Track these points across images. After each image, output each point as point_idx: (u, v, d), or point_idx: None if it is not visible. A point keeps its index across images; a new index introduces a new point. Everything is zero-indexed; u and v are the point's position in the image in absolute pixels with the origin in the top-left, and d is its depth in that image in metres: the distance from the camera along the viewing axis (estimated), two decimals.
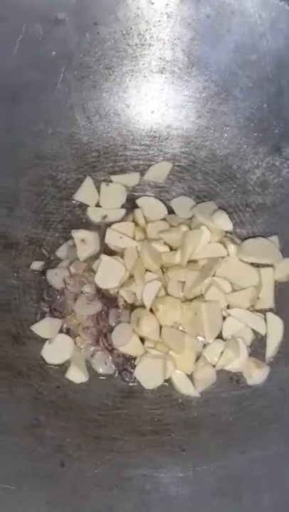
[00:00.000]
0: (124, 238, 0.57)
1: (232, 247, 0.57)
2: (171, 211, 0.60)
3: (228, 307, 0.56)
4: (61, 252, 0.58)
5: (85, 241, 0.58)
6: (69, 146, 0.61)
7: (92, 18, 0.57)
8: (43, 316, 0.55)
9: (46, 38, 0.56)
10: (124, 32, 0.58)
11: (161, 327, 0.55)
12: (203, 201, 0.61)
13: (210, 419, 0.52)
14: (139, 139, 0.62)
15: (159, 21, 0.58)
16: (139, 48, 0.59)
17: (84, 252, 0.57)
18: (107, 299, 0.56)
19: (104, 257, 0.56)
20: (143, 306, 0.55)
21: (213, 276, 0.56)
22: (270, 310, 0.56)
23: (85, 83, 0.60)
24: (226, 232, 0.58)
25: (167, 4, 0.57)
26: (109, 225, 0.59)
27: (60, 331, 0.55)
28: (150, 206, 0.60)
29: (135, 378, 0.53)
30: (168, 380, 0.54)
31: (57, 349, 0.54)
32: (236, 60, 0.59)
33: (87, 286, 0.56)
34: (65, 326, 0.55)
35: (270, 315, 0.56)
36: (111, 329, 0.55)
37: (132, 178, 0.61)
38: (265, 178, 0.60)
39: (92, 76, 0.60)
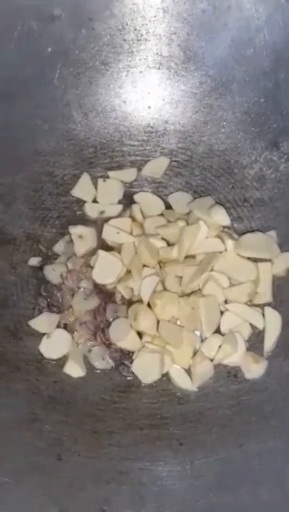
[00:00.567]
0: (121, 234, 0.58)
1: (230, 242, 0.57)
2: (168, 206, 0.61)
3: (225, 302, 0.56)
4: (58, 247, 0.59)
5: (82, 237, 0.58)
6: (66, 142, 0.61)
7: (88, 14, 0.57)
8: (40, 312, 0.56)
9: (42, 34, 0.57)
10: (120, 27, 0.59)
11: (158, 322, 0.55)
12: (200, 196, 0.61)
13: (208, 413, 0.52)
14: (136, 135, 0.62)
15: (155, 16, 0.59)
16: (136, 44, 0.60)
17: (81, 247, 0.58)
18: (105, 294, 0.56)
19: (101, 253, 0.57)
20: (140, 301, 0.56)
21: (211, 271, 0.56)
22: (268, 304, 0.56)
23: (82, 79, 0.60)
24: (224, 227, 0.58)
25: None
26: (107, 220, 0.59)
27: (58, 326, 0.55)
28: (147, 202, 0.61)
29: (133, 373, 0.54)
30: (166, 375, 0.54)
31: (54, 344, 0.54)
32: (233, 54, 0.59)
33: (84, 281, 0.56)
34: (62, 321, 0.55)
35: (268, 309, 0.56)
36: (108, 324, 0.55)
37: (129, 174, 0.62)
38: (263, 173, 0.61)
39: (88, 72, 0.60)
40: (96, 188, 0.61)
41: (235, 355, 0.54)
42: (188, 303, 0.55)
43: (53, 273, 0.57)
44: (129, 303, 0.56)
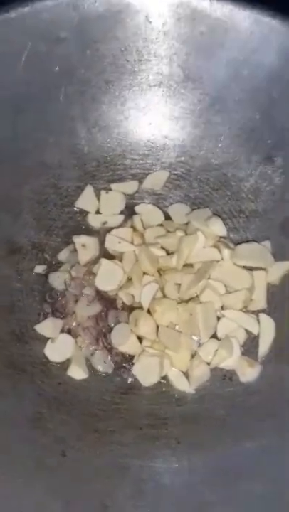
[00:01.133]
0: (122, 243, 0.58)
1: (226, 252, 0.58)
2: (168, 217, 0.61)
3: (222, 308, 0.57)
4: (63, 256, 0.59)
5: (85, 246, 0.59)
6: (70, 155, 0.62)
7: (93, 36, 0.58)
8: (45, 317, 0.56)
9: (49, 55, 0.57)
10: (123, 49, 0.59)
11: (158, 327, 0.55)
12: (198, 208, 0.62)
13: (204, 414, 0.53)
14: (137, 149, 0.63)
15: (156, 38, 0.59)
16: (137, 64, 0.60)
17: (84, 256, 0.58)
18: (107, 301, 0.57)
19: (103, 261, 0.57)
20: (141, 308, 0.56)
21: (208, 278, 0.57)
22: (263, 311, 0.57)
23: (86, 96, 0.60)
24: (220, 237, 0.59)
25: (164, 23, 0.58)
26: (109, 230, 0.60)
27: (62, 331, 0.56)
28: (148, 212, 0.61)
29: (133, 375, 0.54)
30: (164, 377, 0.55)
31: (59, 348, 0.55)
32: (229, 73, 0.59)
33: (87, 288, 0.57)
34: (66, 326, 0.56)
35: (262, 316, 0.57)
36: (110, 329, 0.56)
37: (130, 186, 0.63)
38: (258, 186, 0.61)
39: (92, 90, 0.60)
40: (99, 199, 0.62)
41: (231, 359, 0.55)
42: (187, 309, 0.56)
43: (57, 280, 0.58)
44: (130, 309, 0.57)
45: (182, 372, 0.55)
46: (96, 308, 0.57)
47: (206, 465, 0.49)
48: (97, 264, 0.58)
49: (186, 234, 0.59)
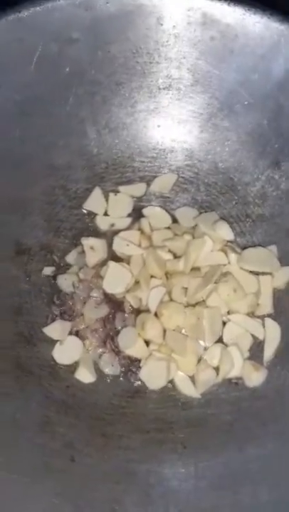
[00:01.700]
0: (130, 246, 0.58)
1: (233, 256, 0.58)
2: (175, 220, 0.61)
3: (228, 313, 0.57)
4: (71, 258, 0.59)
5: (93, 248, 0.59)
6: (79, 157, 0.62)
7: (104, 38, 0.58)
8: (53, 319, 0.56)
9: (61, 56, 0.57)
10: (134, 51, 0.59)
11: (165, 331, 0.56)
12: (205, 211, 0.62)
13: (210, 418, 0.53)
14: (145, 152, 0.63)
15: (167, 41, 0.59)
16: (148, 66, 0.60)
17: (92, 258, 0.58)
18: (114, 304, 0.57)
19: (111, 264, 0.57)
20: (148, 311, 0.56)
21: (215, 283, 0.57)
22: (269, 316, 0.57)
23: (96, 98, 0.60)
24: (227, 241, 0.59)
25: (175, 26, 0.58)
26: (117, 233, 0.60)
27: (70, 333, 0.56)
28: (155, 215, 0.61)
29: (140, 379, 0.54)
30: (171, 381, 0.55)
31: (67, 350, 0.55)
32: (238, 79, 0.59)
33: (95, 290, 0.57)
34: (74, 328, 0.56)
35: (268, 320, 0.57)
36: (117, 332, 0.56)
37: (138, 189, 0.62)
38: (265, 191, 0.62)
39: (102, 91, 0.60)
40: (107, 201, 0.61)
41: (234, 370, 0.55)
42: (194, 313, 0.56)
43: (65, 282, 0.57)
44: (137, 312, 0.57)
45: (188, 376, 0.55)
46: (104, 310, 0.57)
47: (212, 470, 0.50)
48: (105, 267, 0.58)
49: (194, 237, 0.59)
